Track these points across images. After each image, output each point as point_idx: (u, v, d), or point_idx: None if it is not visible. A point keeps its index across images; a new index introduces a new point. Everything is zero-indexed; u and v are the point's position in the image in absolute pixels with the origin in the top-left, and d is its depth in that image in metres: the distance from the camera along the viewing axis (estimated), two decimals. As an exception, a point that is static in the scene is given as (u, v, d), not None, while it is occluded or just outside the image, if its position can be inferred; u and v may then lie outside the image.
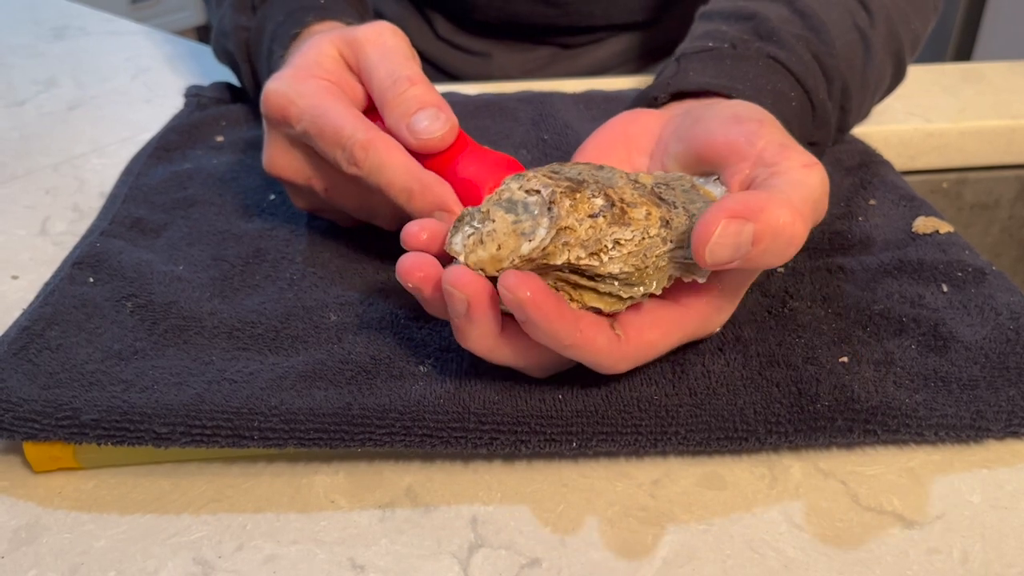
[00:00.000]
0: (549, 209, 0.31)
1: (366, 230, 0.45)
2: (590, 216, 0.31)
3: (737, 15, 0.46)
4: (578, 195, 0.31)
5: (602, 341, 0.31)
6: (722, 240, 0.29)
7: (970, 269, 0.40)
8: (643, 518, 0.31)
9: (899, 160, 0.61)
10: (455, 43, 0.79)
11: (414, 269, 0.32)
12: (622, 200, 0.32)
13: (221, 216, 0.46)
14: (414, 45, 0.43)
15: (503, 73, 0.78)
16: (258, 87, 0.54)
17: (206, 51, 0.79)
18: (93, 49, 0.80)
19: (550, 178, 0.32)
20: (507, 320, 0.32)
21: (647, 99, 0.43)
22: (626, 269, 0.31)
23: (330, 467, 0.34)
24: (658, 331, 0.32)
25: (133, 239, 0.43)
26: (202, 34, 2.60)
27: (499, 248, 0.31)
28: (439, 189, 0.37)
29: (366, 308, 0.38)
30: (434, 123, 0.38)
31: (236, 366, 0.34)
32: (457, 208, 0.37)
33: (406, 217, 0.38)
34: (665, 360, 0.34)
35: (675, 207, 0.33)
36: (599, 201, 0.31)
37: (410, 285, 0.32)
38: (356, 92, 0.41)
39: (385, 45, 0.41)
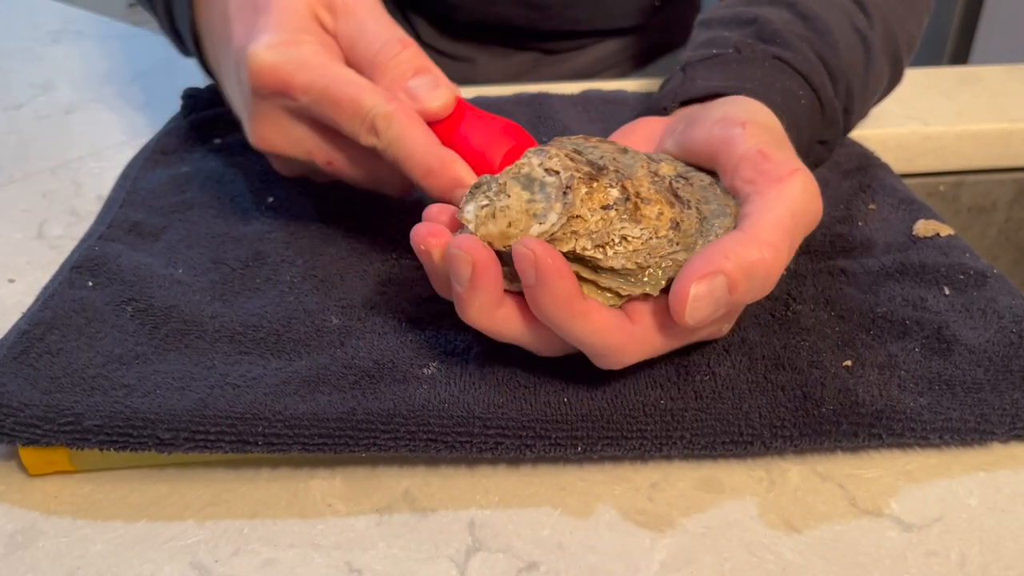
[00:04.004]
0: (564, 194, 0.31)
1: (365, 230, 0.45)
2: (603, 207, 0.31)
3: (738, 20, 0.46)
4: (595, 184, 0.31)
5: (608, 317, 0.31)
6: (698, 303, 0.29)
7: (972, 272, 0.40)
8: (641, 521, 0.31)
9: (896, 163, 0.61)
10: (438, 48, 0.79)
11: (428, 235, 0.32)
12: (638, 195, 0.32)
13: (220, 219, 0.46)
14: None
15: (486, 78, 0.78)
16: (172, 25, 0.49)
17: (204, 54, 0.79)
18: (90, 52, 0.80)
19: (571, 159, 0.32)
20: (510, 297, 0.32)
21: (657, 109, 0.43)
22: (628, 266, 0.31)
23: (327, 471, 0.34)
24: (664, 317, 0.32)
25: (132, 243, 0.43)
26: (200, 37, 2.59)
27: (509, 225, 0.31)
28: (457, 169, 0.37)
29: (368, 311, 0.38)
30: (434, 91, 0.37)
31: (239, 370, 0.34)
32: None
33: (413, 185, 0.38)
34: (670, 363, 0.34)
35: (688, 207, 0.33)
36: (615, 192, 0.31)
37: (421, 248, 0.32)
38: (340, 57, 0.39)
39: (366, 5, 0.39)
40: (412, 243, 0.32)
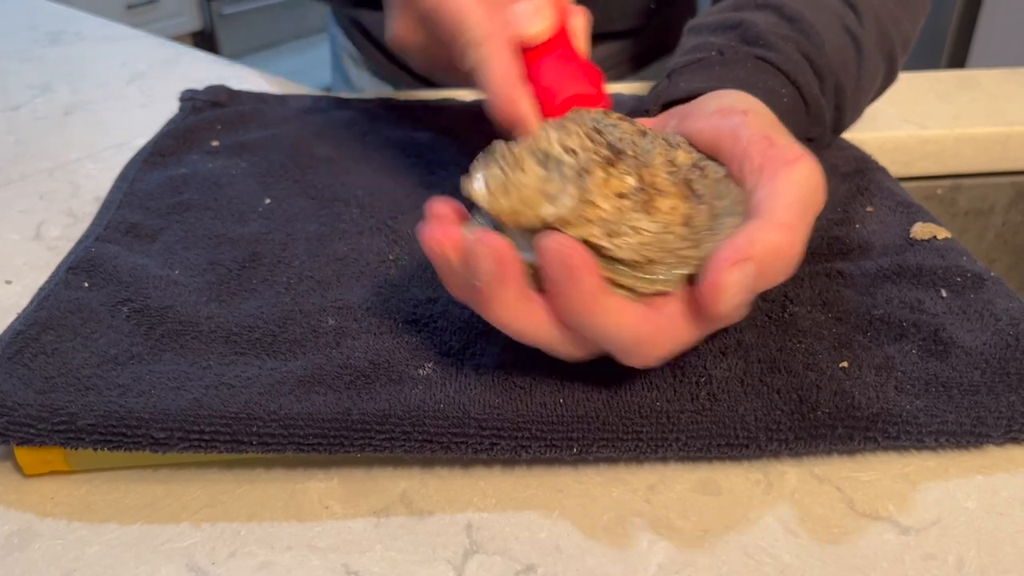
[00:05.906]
0: (580, 177, 0.30)
1: (362, 232, 0.44)
2: (618, 195, 0.30)
3: (724, 25, 0.47)
4: (612, 169, 0.30)
5: (635, 309, 0.30)
6: (732, 291, 0.29)
7: (969, 275, 0.40)
8: (638, 524, 0.31)
9: (894, 166, 0.61)
10: None
11: (440, 236, 0.31)
12: (654, 186, 0.31)
13: (217, 220, 0.46)
14: (396, 53, 0.44)
15: None
16: None
17: (202, 56, 0.79)
18: (89, 54, 0.80)
19: (591, 140, 0.31)
20: (535, 294, 0.31)
21: (638, 112, 0.43)
22: (636, 258, 0.30)
23: (324, 473, 0.33)
24: (689, 304, 0.31)
25: (128, 244, 0.43)
26: (198, 39, 2.60)
27: (521, 203, 0.30)
28: (522, 108, 0.38)
29: (364, 312, 0.38)
30: (532, 18, 0.39)
31: (234, 371, 0.34)
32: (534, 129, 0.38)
33: None
34: (666, 365, 0.34)
35: (702, 200, 0.32)
36: (631, 181, 0.31)
37: (435, 250, 0.31)
38: None
39: None
40: (422, 244, 0.31)
